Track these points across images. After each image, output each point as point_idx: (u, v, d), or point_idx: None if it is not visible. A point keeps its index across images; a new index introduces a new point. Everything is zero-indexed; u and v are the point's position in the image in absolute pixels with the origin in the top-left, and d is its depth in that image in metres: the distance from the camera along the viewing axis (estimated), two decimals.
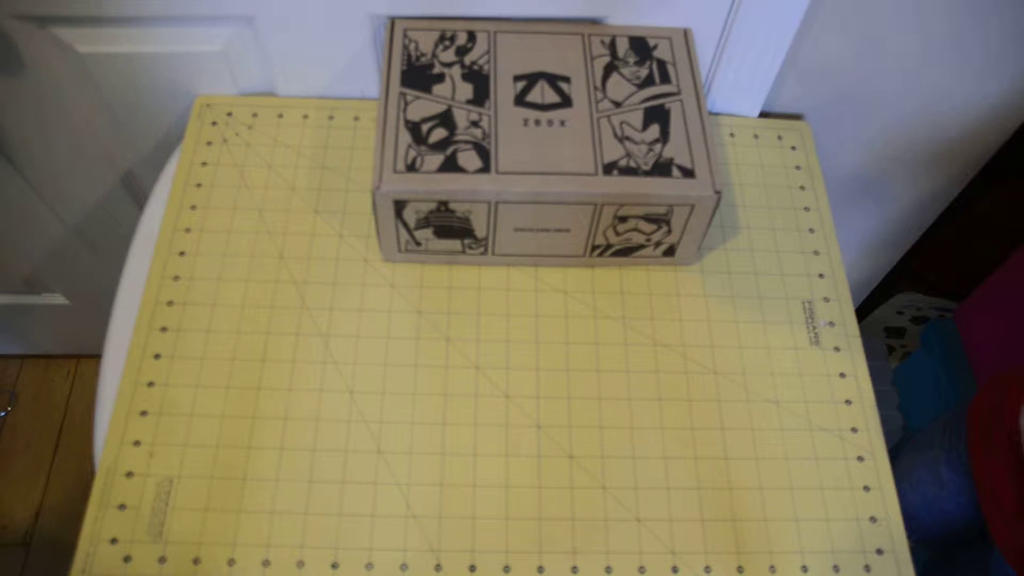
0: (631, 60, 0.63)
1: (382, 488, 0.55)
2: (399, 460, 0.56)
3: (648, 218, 0.59)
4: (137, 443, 0.55)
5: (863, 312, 1.13)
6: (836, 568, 0.54)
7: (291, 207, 0.66)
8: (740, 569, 0.54)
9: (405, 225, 0.59)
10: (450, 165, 0.56)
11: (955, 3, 0.65)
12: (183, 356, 0.59)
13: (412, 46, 0.62)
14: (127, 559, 0.52)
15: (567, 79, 0.61)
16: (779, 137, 0.73)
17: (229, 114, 0.70)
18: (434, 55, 0.62)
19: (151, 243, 0.64)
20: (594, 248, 0.62)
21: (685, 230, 0.61)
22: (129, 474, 0.54)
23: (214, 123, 0.70)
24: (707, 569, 0.54)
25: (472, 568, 0.53)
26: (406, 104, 0.59)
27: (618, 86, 0.61)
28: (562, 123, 0.59)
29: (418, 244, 0.61)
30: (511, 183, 0.56)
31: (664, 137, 0.59)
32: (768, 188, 0.70)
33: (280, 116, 0.70)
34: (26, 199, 0.86)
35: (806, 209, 0.69)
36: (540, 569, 0.53)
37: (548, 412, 0.58)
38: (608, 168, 0.57)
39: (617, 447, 0.57)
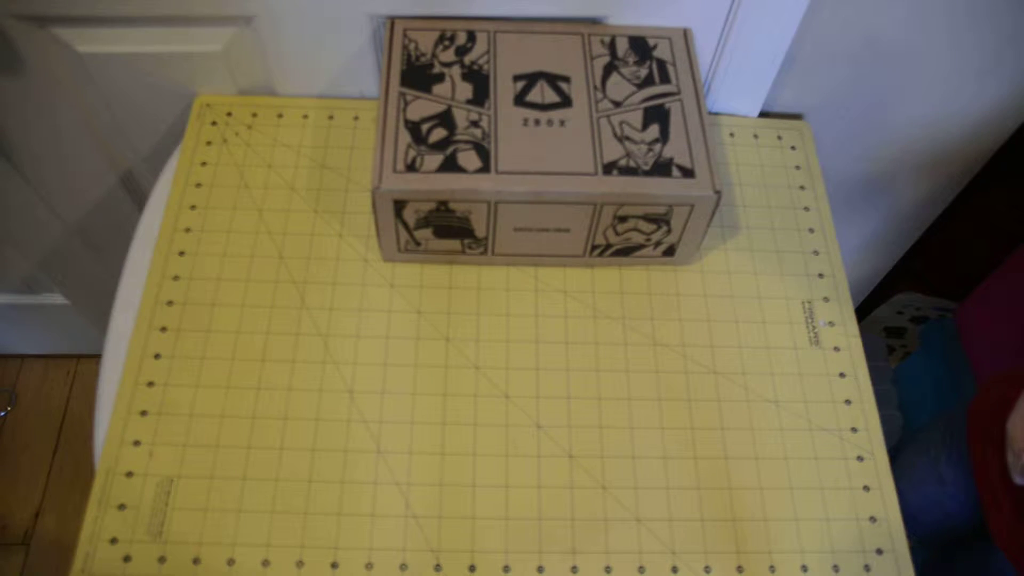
0: (631, 60, 0.63)
1: (382, 488, 0.55)
2: (399, 460, 0.56)
3: (648, 218, 0.59)
4: (137, 443, 0.55)
5: (863, 312, 1.13)
6: (836, 568, 0.54)
7: (291, 207, 0.66)
8: (740, 569, 0.54)
9: (405, 225, 0.59)
10: (450, 165, 0.56)
11: (954, 4, 0.65)
12: (183, 356, 0.59)
13: (412, 46, 0.62)
14: (127, 559, 0.52)
15: (567, 79, 0.61)
16: (779, 137, 0.73)
17: (229, 114, 0.70)
18: (434, 55, 0.62)
19: (151, 243, 0.64)
20: (594, 248, 0.62)
21: (685, 230, 0.61)
22: (129, 474, 0.54)
23: (214, 123, 0.70)
24: (707, 569, 0.54)
25: (472, 568, 0.53)
26: (406, 104, 0.59)
27: (618, 86, 0.61)
28: (562, 123, 0.59)
29: (418, 244, 0.61)
30: (511, 183, 0.56)
31: (664, 137, 0.59)
32: (768, 188, 0.70)
33: (280, 116, 0.70)
34: (26, 199, 0.86)
35: (806, 209, 0.69)
36: (540, 569, 0.53)
37: (548, 412, 0.58)
38: (608, 168, 0.57)
39: (617, 447, 0.57)
